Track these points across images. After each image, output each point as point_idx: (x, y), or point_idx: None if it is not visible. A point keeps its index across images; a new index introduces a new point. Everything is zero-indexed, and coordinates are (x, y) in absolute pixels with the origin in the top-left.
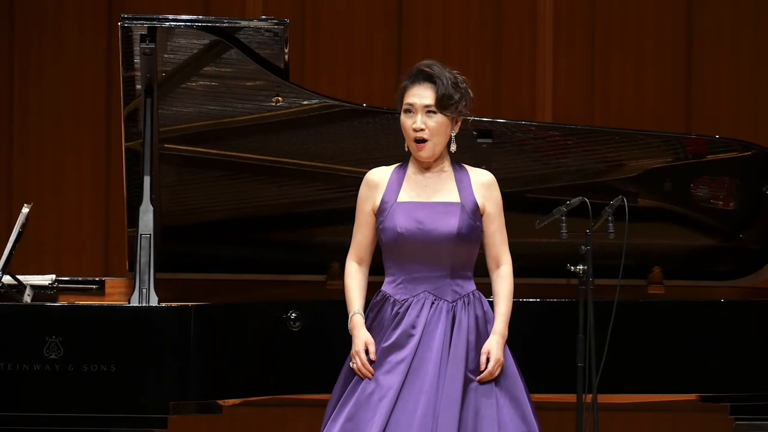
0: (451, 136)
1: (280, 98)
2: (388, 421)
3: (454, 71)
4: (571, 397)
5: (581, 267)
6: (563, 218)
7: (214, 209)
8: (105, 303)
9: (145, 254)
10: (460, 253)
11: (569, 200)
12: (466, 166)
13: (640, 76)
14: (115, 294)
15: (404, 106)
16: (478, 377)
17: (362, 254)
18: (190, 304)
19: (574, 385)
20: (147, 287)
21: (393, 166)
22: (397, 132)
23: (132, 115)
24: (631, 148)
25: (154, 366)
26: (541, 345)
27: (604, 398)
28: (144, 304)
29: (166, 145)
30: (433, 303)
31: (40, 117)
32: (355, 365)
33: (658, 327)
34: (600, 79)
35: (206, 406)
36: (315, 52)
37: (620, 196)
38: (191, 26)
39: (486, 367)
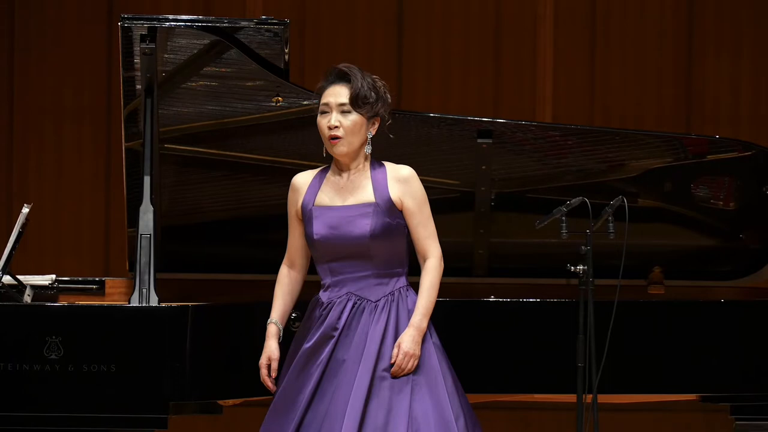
0: (367, 137)
1: (280, 98)
2: (302, 421)
3: (374, 76)
4: (571, 397)
5: (581, 267)
6: (563, 218)
7: (214, 209)
8: (105, 303)
9: (145, 254)
10: (381, 251)
11: (569, 200)
12: (386, 163)
13: (640, 76)
14: (115, 294)
15: (321, 108)
16: (390, 371)
17: (293, 258)
18: (190, 304)
19: (574, 385)
20: (147, 287)
21: (317, 170)
22: (396, 132)
23: (132, 115)
24: (631, 148)
25: (154, 366)
26: (541, 345)
27: (604, 398)
28: (144, 304)
29: (166, 145)
30: (354, 304)
31: (40, 117)
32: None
33: (658, 327)
34: (600, 79)
35: (206, 406)
36: (315, 52)
37: (620, 196)
38: (191, 26)
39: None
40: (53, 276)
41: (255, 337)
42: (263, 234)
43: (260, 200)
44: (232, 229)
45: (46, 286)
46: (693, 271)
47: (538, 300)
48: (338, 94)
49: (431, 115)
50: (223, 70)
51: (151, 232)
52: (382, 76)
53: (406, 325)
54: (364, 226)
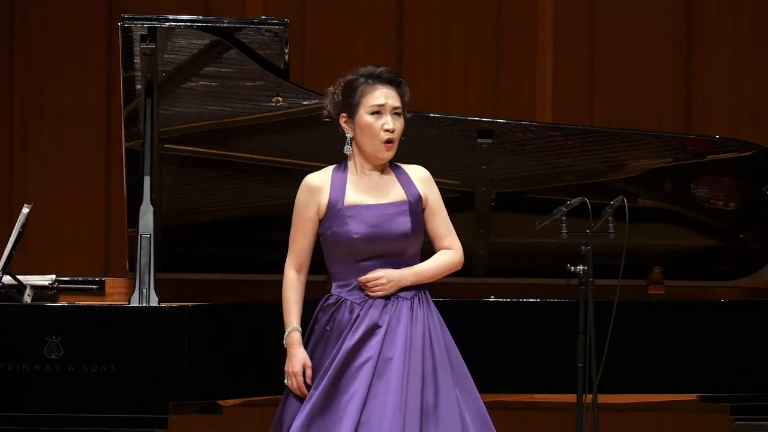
0: None
1: (280, 98)
2: (359, 420)
3: None
4: (571, 397)
5: (581, 267)
6: (563, 218)
7: (214, 209)
8: (105, 303)
9: (145, 254)
10: (413, 248)
11: (569, 200)
12: (400, 164)
13: (640, 76)
14: (115, 294)
15: (372, 108)
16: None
17: (302, 260)
18: (189, 304)
19: (574, 385)
20: (147, 287)
21: (330, 169)
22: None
23: (132, 115)
24: (631, 148)
25: (154, 366)
26: (541, 345)
27: (604, 398)
28: (144, 305)
29: (166, 145)
30: (392, 303)
31: (40, 117)
32: (290, 384)
33: (658, 327)
34: (600, 79)
35: (206, 406)
36: (315, 52)
37: (620, 196)
38: (191, 26)
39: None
40: (53, 276)
41: (255, 337)
42: (263, 234)
43: (260, 200)
44: (232, 229)
45: (46, 286)
46: (693, 271)
47: (538, 300)
48: (391, 96)
49: (431, 115)
50: (223, 70)
51: (151, 232)
52: None
53: (437, 323)
54: (405, 223)
